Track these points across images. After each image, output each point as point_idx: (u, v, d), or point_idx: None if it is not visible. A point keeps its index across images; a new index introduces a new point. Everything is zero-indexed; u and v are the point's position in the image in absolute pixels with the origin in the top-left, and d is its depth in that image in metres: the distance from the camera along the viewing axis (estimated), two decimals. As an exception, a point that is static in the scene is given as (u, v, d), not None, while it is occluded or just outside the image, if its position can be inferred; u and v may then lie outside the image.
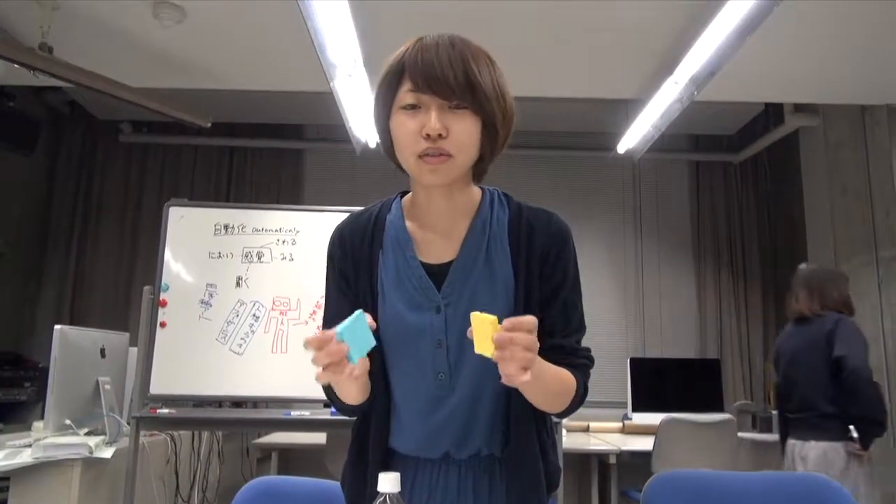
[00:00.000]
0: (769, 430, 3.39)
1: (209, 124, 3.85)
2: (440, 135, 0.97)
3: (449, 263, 1.07)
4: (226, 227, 3.11)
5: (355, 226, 1.14)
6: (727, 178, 5.77)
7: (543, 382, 1.00)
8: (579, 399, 1.09)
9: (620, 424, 4.03)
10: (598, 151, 5.47)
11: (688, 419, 3.09)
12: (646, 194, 5.78)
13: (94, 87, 3.26)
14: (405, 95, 1.00)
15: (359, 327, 0.89)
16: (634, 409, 3.95)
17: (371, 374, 1.09)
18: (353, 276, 1.11)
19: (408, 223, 1.11)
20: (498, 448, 1.08)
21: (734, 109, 5.26)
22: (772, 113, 5.15)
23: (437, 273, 1.07)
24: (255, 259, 3.07)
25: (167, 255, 3.02)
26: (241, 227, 3.11)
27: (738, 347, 5.47)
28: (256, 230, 3.11)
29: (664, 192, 5.79)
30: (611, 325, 5.58)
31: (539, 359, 0.95)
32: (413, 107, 0.99)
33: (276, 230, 3.12)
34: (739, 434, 3.12)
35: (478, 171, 1.11)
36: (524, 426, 1.06)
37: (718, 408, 3.86)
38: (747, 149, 5.51)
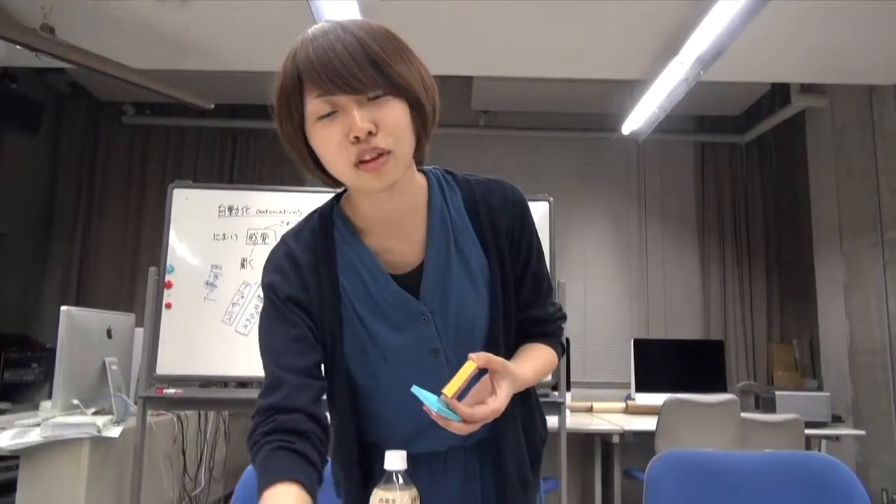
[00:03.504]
0: (772, 410, 3.40)
1: (212, 106, 3.84)
2: (370, 132, 0.86)
3: (418, 269, 1.00)
4: (230, 208, 3.11)
5: (301, 248, 1.01)
6: (732, 159, 5.74)
7: (531, 382, 1.02)
8: (559, 359, 1.11)
9: (623, 405, 4.05)
10: (603, 132, 5.45)
11: (691, 399, 3.10)
12: (650, 176, 5.76)
13: (97, 68, 3.25)
14: (315, 105, 0.87)
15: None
16: (638, 390, 3.96)
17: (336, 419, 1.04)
18: (314, 306, 0.99)
19: (360, 236, 1.01)
20: (476, 437, 1.05)
21: (740, 90, 5.22)
22: (778, 93, 5.11)
23: (409, 281, 1.00)
24: (260, 240, 3.07)
25: (172, 236, 3.03)
26: (244, 209, 3.11)
27: (741, 328, 5.48)
28: (260, 211, 3.11)
29: (669, 174, 5.77)
30: (615, 306, 5.59)
31: (518, 369, 0.95)
32: (329, 114, 0.87)
33: (280, 212, 3.12)
34: (742, 414, 3.12)
35: (417, 157, 0.99)
36: (505, 412, 1.02)
37: (721, 388, 3.87)
38: (753, 130, 5.47)
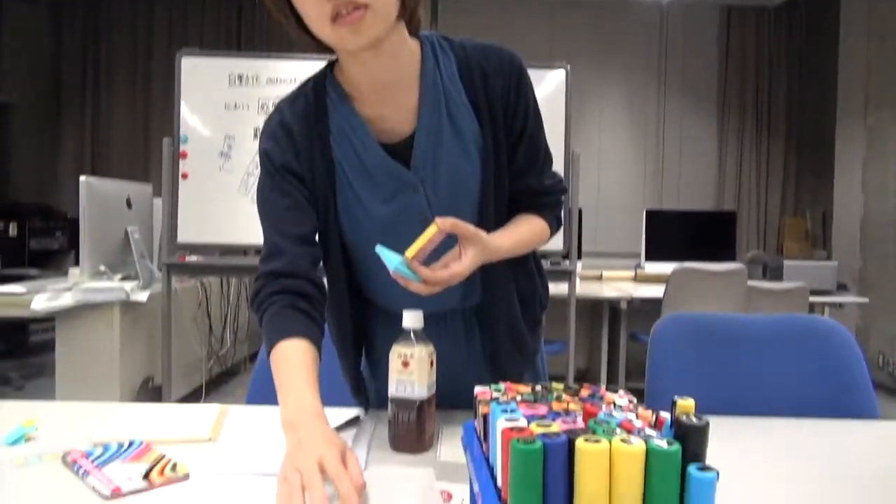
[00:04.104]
0: (780, 279, 3.47)
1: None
2: None
3: (411, 137, 0.98)
4: (240, 77, 3.05)
5: (296, 115, 1.01)
6: (759, 24, 5.48)
7: (508, 255, 1.01)
8: (553, 232, 1.11)
9: (633, 273, 4.13)
10: (625, -5, 5.20)
11: (699, 268, 3.16)
12: (672, 43, 5.54)
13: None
14: None
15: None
16: (647, 259, 4.03)
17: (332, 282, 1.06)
18: (307, 173, 1.00)
19: (352, 104, 0.99)
20: (473, 301, 1.09)
21: (774, -54, 4.89)
22: (815, -50, 4.79)
23: (401, 151, 0.98)
24: (272, 110, 3.04)
25: (183, 106, 3.00)
26: (255, 78, 3.05)
27: (755, 200, 5.47)
28: (270, 80, 3.06)
29: (692, 40, 5.54)
30: (630, 176, 5.56)
31: (492, 239, 0.95)
32: None
33: (291, 80, 3.06)
34: (749, 282, 3.19)
35: (409, 21, 0.95)
36: (498, 277, 1.05)
37: (731, 258, 3.92)
38: (784, -8, 5.18)
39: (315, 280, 0.99)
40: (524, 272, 1.12)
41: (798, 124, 5.50)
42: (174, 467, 0.85)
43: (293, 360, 0.89)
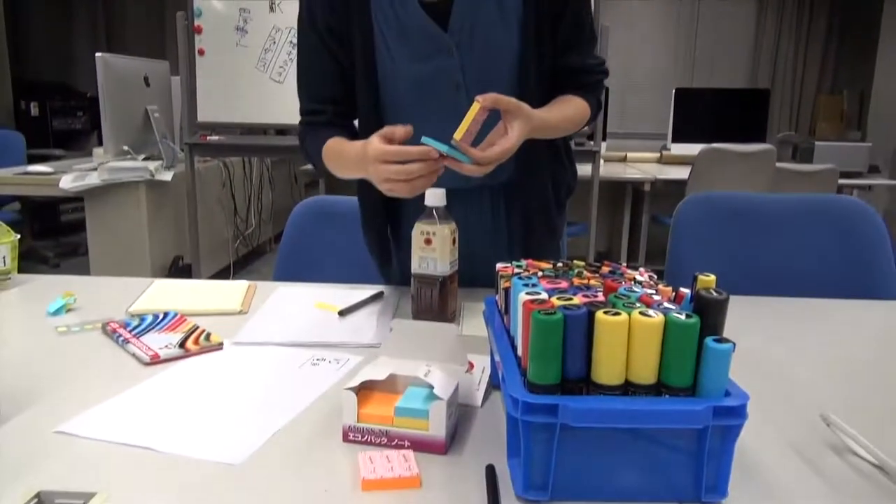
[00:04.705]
0: (810, 160, 3.38)
1: None
2: None
3: (450, 1, 0.97)
4: (251, -55, 2.90)
5: None
6: None
7: (551, 131, 1.00)
8: (594, 115, 1.09)
9: (658, 155, 4.05)
10: None
11: (726, 149, 3.08)
12: None
13: None
14: None
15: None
16: (675, 140, 3.93)
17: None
18: (344, 32, 1.01)
19: None
20: (502, 178, 1.08)
21: None
22: None
23: (440, 12, 0.97)
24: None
25: (194, -23, 2.89)
26: (267, -54, 2.91)
27: (791, 77, 5.24)
28: (284, -54, 2.91)
29: None
30: (662, 52, 5.33)
31: (536, 111, 0.92)
32: None
33: (307, -52, 2.91)
34: (778, 164, 3.11)
35: None
36: (534, 155, 1.05)
37: (761, 139, 3.81)
38: None
39: (352, 128, 1.07)
40: (556, 155, 1.12)
41: (843, 1, 5.16)
42: (208, 337, 0.89)
43: (341, 140, 0.99)
